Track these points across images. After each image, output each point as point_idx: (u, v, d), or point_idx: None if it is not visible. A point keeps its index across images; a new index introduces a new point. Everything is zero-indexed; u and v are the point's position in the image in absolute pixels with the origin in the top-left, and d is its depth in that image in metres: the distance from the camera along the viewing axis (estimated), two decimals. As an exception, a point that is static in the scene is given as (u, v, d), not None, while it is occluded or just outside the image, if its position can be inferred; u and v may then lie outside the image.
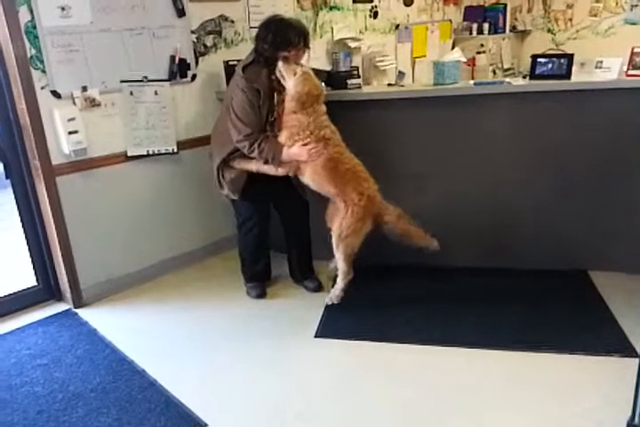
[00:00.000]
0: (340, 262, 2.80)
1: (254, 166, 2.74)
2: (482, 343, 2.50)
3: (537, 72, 2.94)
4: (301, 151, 2.62)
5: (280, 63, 2.62)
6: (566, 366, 2.32)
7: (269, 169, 2.71)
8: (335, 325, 2.72)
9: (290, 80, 2.60)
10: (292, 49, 2.62)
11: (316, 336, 2.64)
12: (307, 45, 2.70)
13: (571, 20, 5.70)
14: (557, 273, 3.06)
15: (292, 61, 2.65)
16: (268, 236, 3.01)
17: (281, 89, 2.68)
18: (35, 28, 2.61)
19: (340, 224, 2.71)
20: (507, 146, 2.98)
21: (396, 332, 2.64)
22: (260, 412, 2.17)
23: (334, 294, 2.86)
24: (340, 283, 2.84)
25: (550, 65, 2.89)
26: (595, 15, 5.54)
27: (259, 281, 3.08)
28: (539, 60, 2.93)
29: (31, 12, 2.58)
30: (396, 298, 2.95)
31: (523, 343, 2.48)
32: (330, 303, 2.85)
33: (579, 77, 2.88)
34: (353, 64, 3.95)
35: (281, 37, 2.61)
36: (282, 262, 3.18)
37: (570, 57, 2.87)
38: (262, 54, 2.65)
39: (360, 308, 2.85)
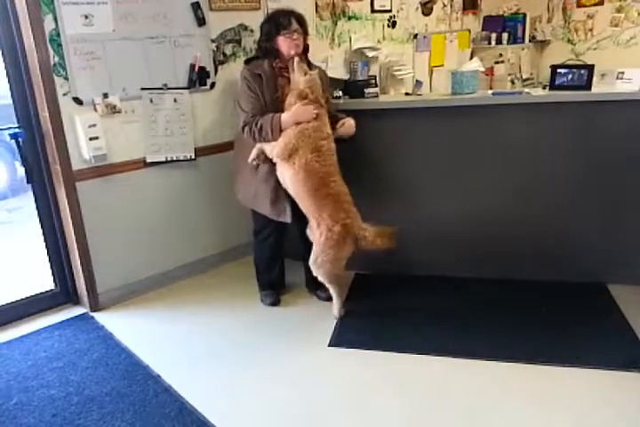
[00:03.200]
0: (326, 285, 2.78)
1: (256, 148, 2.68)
2: (496, 356, 2.47)
3: (557, 83, 2.92)
4: (301, 110, 2.56)
5: (296, 59, 2.63)
6: (584, 380, 2.28)
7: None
8: (349, 334, 2.71)
9: (299, 76, 2.60)
10: (285, 32, 2.62)
11: (329, 345, 2.63)
12: (304, 30, 2.69)
13: (591, 30, 5.65)
14: (575, 286, 3.02)
15: (292, 46, 2.63)
16: (283, 245, 3.01)
17: (283, 74, 2.68)
18: (58, 35, 2.66)
19: (315, 249, 2.66)
20: (525, 156, 2.96)
21: (410, 342, 2.62)
22: (272, 420, 2.16)
23: (336, 308, 2.84)
24: (335, 301, 2.82)
25: (570, 76, 2.88)
26: (616, 25, 5.48)
27: (273, 289, 3.08)
28: (559, 70, 2.92)
29: (55, 20, 2.63)
30: (410, 308, 2.93)
31: (538, 357, 2.44)
32: (337, 317, 2.84)
33: (599, 88, 2.86)
34: (370, 73, 3.98)
35: (272, 22, 2.66)
36: (297, 270, 3.18)
37: (590, 68, 2.85)
38: (262, 47, 2.72)
39: (374, 317, 2.84)
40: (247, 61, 2.80)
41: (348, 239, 2.62)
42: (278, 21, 2.64)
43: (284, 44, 2.65)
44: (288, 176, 2.61)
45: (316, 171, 2.56)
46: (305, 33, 2.70)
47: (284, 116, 2.58)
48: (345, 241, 2.61)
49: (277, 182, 2.70)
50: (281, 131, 2.58)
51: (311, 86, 2.60)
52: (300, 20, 2.68)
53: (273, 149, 2.61)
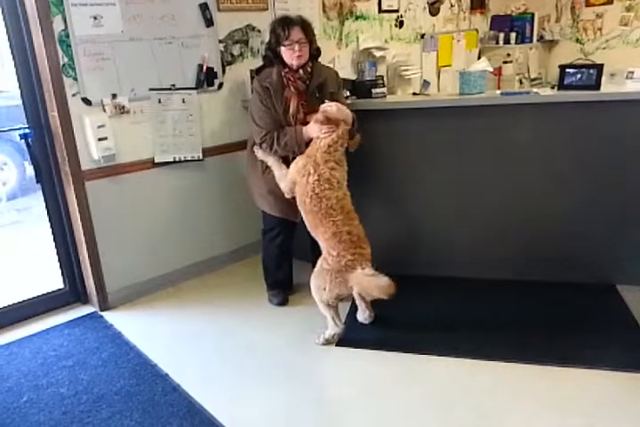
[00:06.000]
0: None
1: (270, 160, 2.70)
2: (508, 357, 2.46)
3: (565, 82, 2.90)
4: (314, 127, 2.53)
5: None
6: (594, 381, 2.27)
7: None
8: (357, 334, 2.71)
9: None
10: (286, 42, 2.59)
11: (337, 345, 2.64)
12: (309, 39, 2.61)
13: (600, 29, 5.62)
14: (585, 287, 3.00)
15: (293, 58, 2.59)
16: (291, 245, 3.01)
17: (289, 84, 2.65)
18: (68, 36, 2.67)
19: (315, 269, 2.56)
20: (534, 157, 2.95)
21: (419, 343, 2.61)
22: (280, 419, 2.17)
23: (321, 336, 2.64)
24: (328, 329, 2.63)
25: (579, 75, 2.86)
26: (625, 24, 5.45)
27: (280, 289, 3.09)
28: (567, 70, 2.89)
29: (65, 21, 2.65)
30: (420, 308, 2.93)
31: (548, 358, 2.43)
32: (318, 342, 2.63)
33: (608, 88, 2.84)
34: (378, 73, 3.97)
35: (272, 34, 2.65)
36: (305, 271, 3.17)
37: (599, 67, 2.83)
38: (267, 56, 2.72)
39: (383, 317, 2.83)
40: (257, 71, 2.78)
41: (335, 279, 2.44)
42: (277, 33, 2.61)
43: (286, 55, 2.63)
44: (298, 196, 2.58)
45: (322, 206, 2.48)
46: (310, 41, 2.64)
47: (304, 129, 2.59)
48: (334, 276, 2.44)
49: None
50: (305, 143, 2.58)
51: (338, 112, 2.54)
52: (304, 27, 2.61)
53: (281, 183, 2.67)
